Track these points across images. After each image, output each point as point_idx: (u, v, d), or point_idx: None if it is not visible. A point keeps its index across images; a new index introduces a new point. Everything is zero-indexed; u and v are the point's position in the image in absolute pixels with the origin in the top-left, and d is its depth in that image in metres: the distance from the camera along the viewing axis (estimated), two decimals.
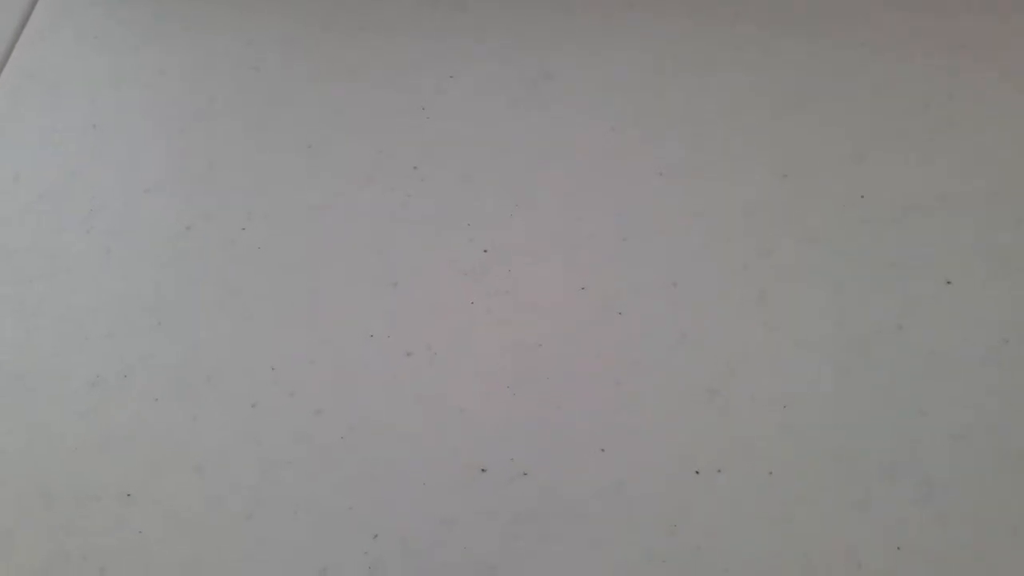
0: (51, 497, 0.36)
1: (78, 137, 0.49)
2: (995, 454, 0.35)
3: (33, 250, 0.44)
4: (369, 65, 0.52)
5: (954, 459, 0.36)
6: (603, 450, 0.36)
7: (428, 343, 0.40)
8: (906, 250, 0.43)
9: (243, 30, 0.54)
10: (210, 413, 0.38)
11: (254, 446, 0.37)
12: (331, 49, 0.53)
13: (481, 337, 0.40)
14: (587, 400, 0.38)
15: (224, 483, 0.36)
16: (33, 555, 0.36)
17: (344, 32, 0.54)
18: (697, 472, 0.36)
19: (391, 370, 0.39)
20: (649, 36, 0.53)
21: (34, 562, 0.35)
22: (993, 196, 0.44)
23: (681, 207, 0.43)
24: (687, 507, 0.35)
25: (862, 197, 0.44)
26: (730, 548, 0.34)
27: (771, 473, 0.36)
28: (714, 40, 0.53)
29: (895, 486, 0.35)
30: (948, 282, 0.41)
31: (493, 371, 0.39)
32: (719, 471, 0.36)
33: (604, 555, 0.34)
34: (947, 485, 0.35)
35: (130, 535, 0.36)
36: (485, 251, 0.43)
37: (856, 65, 0.51)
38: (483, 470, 0.36)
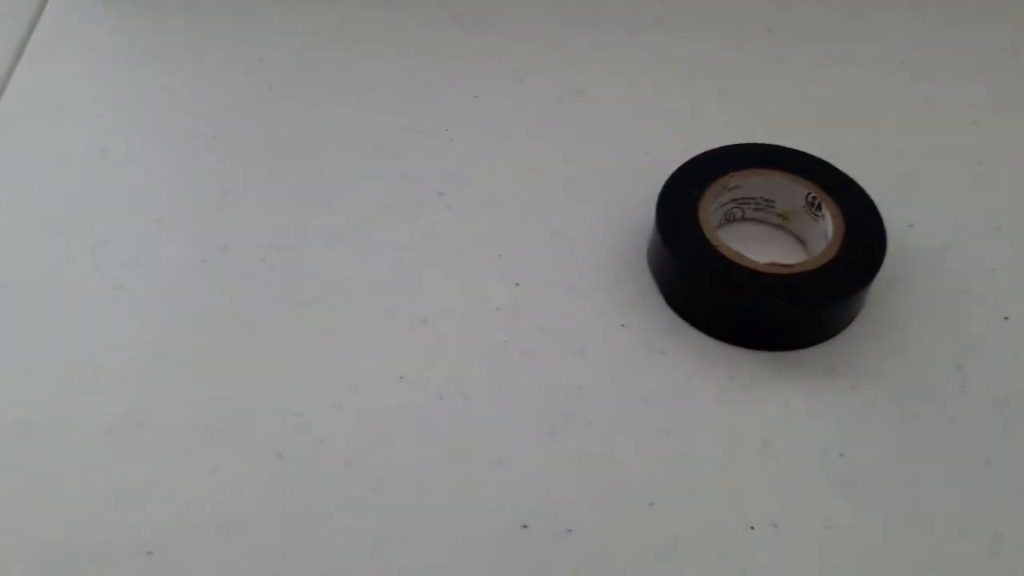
0: (69, 555, 0.34)
1: (85, 162, 0.47)
2: None
3: (39, 285, 0.41)
4: (388, 83, 0.50)
5: (1020, 508, 0.34)
6: (652, 504, 0.34)
7: (461, 386, 0.38)
8: (959, 282, 0.41)
9: (254, 46, 0.52)
10: (233, 464, 0.36)
11: (280, 500, 0.35)
12: (347, 66, 0.51)
13: (517, 379, 0.38)
14: (632, 449, 0.36)
15: (249, 541, 0.34)
16: None
17: (360, 48, 0.52)
18: (752, 527, 0.34)
19: (423, 416, 0.37)
20: (678, 53, 0.51)
21: None
22: None
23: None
24: (743, 565, 0.33)
25: (911, 226, 0.42)
26: None
27: (829, 527, 0.34)
28: (748, 57, 0.51)
29: (964, 541, 0.33)
30: (1005, 318, 0.39)
31: (531, 416, 0.37)
32: (774, 526, 0.34)
33: None
34: (1017, 539, 0.33)
35: None
36: (517, 284, 0.41)
37: (897, 84, 0.49)
38: (525, 526, 0.34)
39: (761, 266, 0.37)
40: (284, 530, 0.34)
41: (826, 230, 0.38)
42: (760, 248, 0.41)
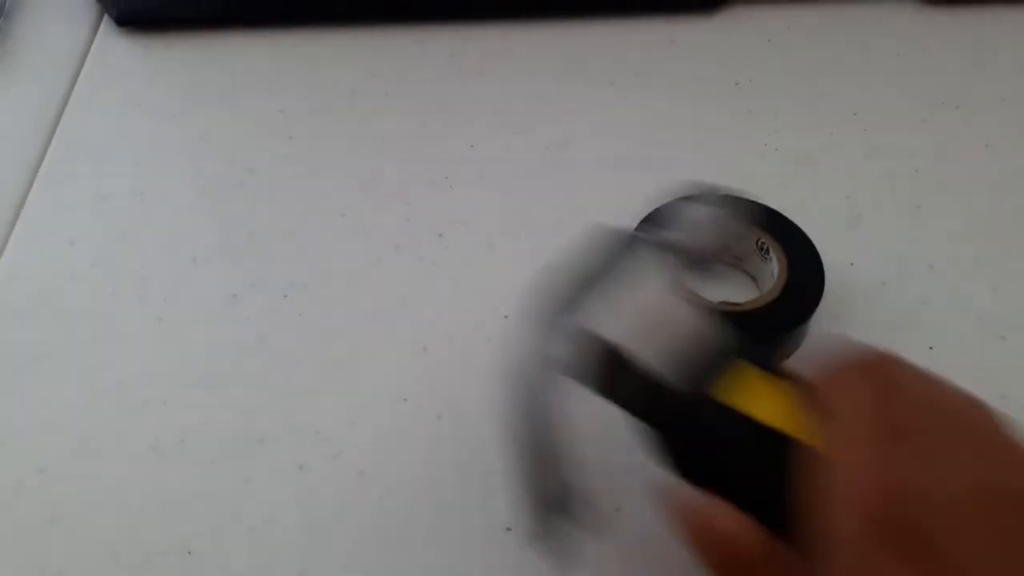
0: (118, 554, 0.40)
1: (126, 204, 0.53)
2: None
3: (90, 316, 0.47)
4: (396, 135, 0.56)
5: None
6: (618, 510, 0.40)
7: (457, 407, 0.44)
8: (892, 315, 0.46)
9: (276, 99, 0.58)
10: (261, 474, 0.42)
11: (302, 506, 0.41)
12: (360, 118, 0.57)
13: (505, 400, 0.44)
14: (602, 462, 0.41)
15: (275, 542, 0.40)
16: None
17: (372, 103, 0.58)
18: None
19: (424, 433, 0.43)
20: (653, 104, 0.57)
21: None
22: (978, 263, 0.48)
23: None
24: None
25: (851, 264, 0.48)
26: None
27: None
28: (716, 109, 0.56)
29: None
30: (931, 348, 0.45)
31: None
32: None
33: None
34: None
35: None
36: (506, 317, 0.47)
37: (849, 134, 0.55)
38: (508, 529, 0.40)
39: (714, 305, 0.42)
40: (306, 532, 0.40)
41: (773, 271, 0.44)
42: (716, 285, 0.46)
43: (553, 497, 0.32)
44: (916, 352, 0.45)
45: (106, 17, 0.63)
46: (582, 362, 0.33)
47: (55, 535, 0.40)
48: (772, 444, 0.29)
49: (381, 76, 0.60)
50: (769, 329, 0.42)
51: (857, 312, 0.46)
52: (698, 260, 0.36)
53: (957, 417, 0.29)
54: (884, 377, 0.29)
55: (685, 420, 0.31)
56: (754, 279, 0.47)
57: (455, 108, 0.57)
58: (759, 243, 0.45)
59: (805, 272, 0.44)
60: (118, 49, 0.62)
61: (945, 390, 0.30)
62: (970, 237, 0.50)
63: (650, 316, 0.32)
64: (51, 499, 0.41)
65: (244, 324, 0.47)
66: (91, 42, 0.63)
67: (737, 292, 0.47)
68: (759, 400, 0.30)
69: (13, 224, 0.52)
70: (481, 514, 0.40)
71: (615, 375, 0.33)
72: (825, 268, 0.45)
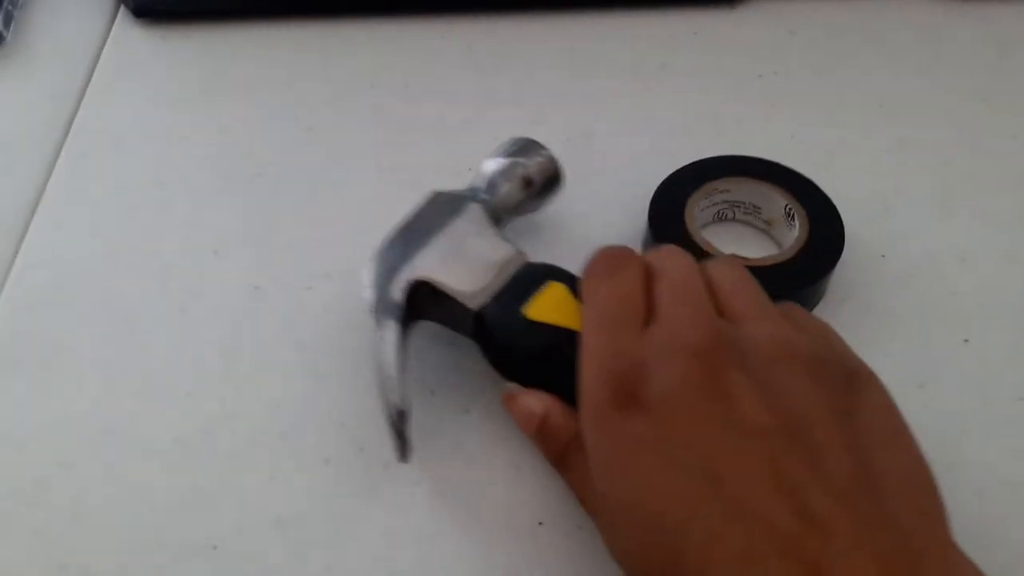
0: (143, 549, 0.39)
1: (145, 194, 0.52)
2: (1014, 510, 0.39)
3: (111, 308, 0.47)
4: (414, 125, 0.55)
5: (976, 514, 0.39)
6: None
7: (484, 401, 0.43)
8: (925, 308, 0.46)
9: (294, 88, 0.58)
10: (286, 468, 0.41)
11: (328, 500, 0.40)
12: (379, 110, 0.56)
13: None
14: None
15: (302, 537, 0.39)
16: None
17: (391, 94, 0.57)
18: None
19: (452, 427, 0.42)
20: (677, 97, 0.56)
21: None
22: (1010, 254, 0.47)
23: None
24: None
25: (883, 256, 0.47)
26: None
27: None
28: (741, 101, 0.56)
29: None
30: (966, 340, 0.44)
31: None
32: None
33: None
34: (971, 538, 0.38)
35: None
36: None
37: (875, 126, 0.54)
38: (540, 523, 0.39)
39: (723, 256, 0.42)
40: (332, 526, 0.39)
41: (796, 238, 0.44)
42: (742, 247, 0.47)
43: (395, 416, 0.38)
44: (951, 344, 0.45)
45: (123, 8, 0.63)
46: (407, 300, 0.40)
47: (79, 531, 0.40)
48: (567, 341, 0.36)
49: (400, 68, 0.59)
50: (774, 287, 0.40)
51: (889, 304, 0.46)
52: (500, 211, 0.45)
53: (683, 288, 0.35)
54: (614, 268, 0.37)
55: (495, 333, 0.39)
56: (779, 245, 0.47)
57: (475, 100, 0.57)
58: (787, 209, 0.45)
59: (824, 241, 0.44)
60: (135, 40, 0.62)
61: (679, 265, 0.36)
62: (1001, 228, 0.49)
63: (470, 257, 0.41)
64: (75, 495, 0.41)
65: (268, 316, 0.46)
66: (108, 33, 0.62)
67: (758, 254, 0.46)
68: (561, 309, 0.38)
69: (32, 216, 0.51)
70: (512, 508, 0.40)
71: (440, 307, 0.41)
72: (856, 261, 0.45)
